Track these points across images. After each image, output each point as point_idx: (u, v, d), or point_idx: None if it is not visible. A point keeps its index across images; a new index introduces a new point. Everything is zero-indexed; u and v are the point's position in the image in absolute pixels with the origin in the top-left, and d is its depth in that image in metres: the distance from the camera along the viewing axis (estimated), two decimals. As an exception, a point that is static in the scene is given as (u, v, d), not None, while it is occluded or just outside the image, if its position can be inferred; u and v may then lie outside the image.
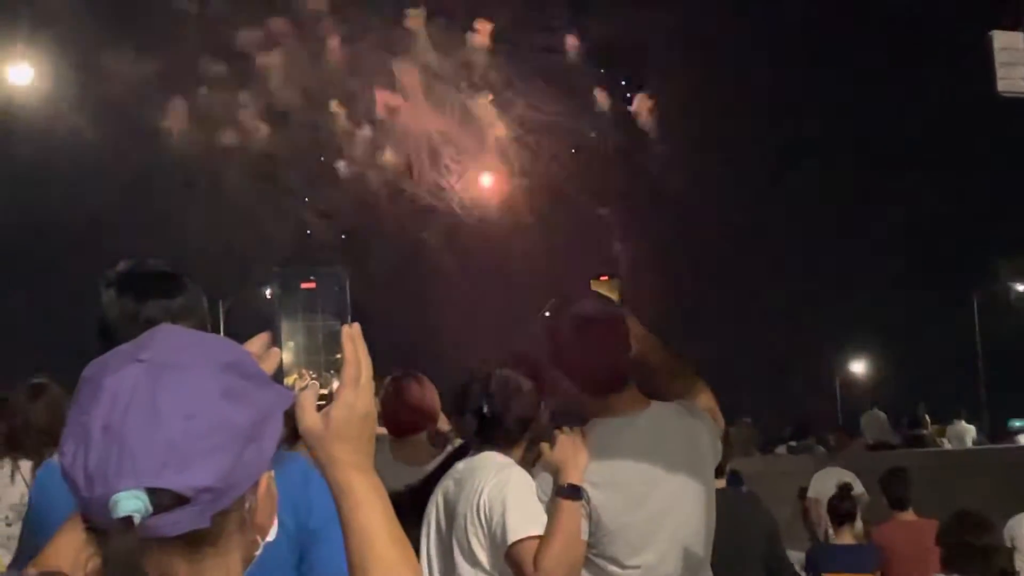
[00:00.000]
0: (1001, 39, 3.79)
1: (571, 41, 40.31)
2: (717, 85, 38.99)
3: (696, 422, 4.13)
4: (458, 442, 4.43)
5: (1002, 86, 3.75)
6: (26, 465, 6.12)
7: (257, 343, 1.92)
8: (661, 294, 30.11)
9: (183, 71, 36.93)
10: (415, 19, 38.70)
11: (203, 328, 2.80)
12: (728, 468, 7.40)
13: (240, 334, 2.00)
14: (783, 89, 39.98)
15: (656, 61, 40.59)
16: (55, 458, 1.77)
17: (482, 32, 39.39)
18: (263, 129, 38.09)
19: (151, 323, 2.65)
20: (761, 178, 40.28)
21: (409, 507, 4.15)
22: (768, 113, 40.24)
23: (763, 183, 40.23)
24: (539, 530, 3.77)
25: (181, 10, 36.39)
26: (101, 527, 1.57)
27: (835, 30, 38.93)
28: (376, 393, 5.95)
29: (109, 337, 2.64)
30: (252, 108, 37.84)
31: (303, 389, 1.92)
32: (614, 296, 4.68)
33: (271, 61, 38.07)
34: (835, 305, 40.99)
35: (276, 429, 1.68)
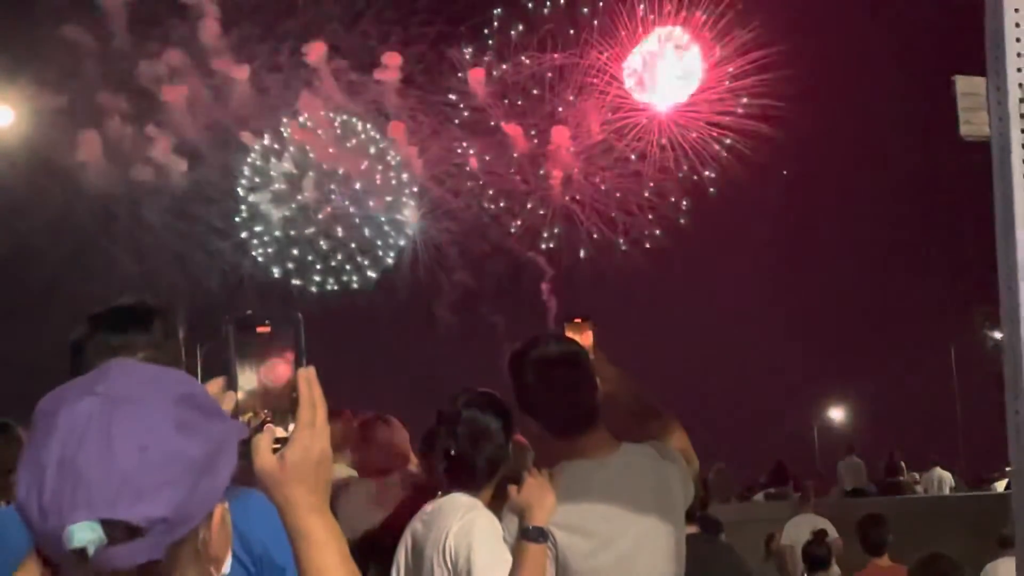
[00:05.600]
0: (964, 84, 3.87)
1: (477, 76, 40.11)
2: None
3: (667, 465, 4.12)
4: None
5: (965, 130, 3.81)
6: None
7: (213, 387, 1.92)
8: (634, 338, 30.15)
9: (90, 105, 36.56)
10: (315, 55, 38.44)
11: (177, 362, 2.81)
12: (699, 514, 7.37)
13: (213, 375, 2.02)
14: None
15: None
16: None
17: (390, 66, 39.11)
18: (178, 164, 37.81)
19: (116, 352, 2.68)
20: (738, 223, 40.36)
21: (369, 549, 4.16)
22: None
23: (741, 228, 40.33)
24: (504, 573, 3.76)
25: (77, 42, 36.18)
26: (56, 560, 1.58)
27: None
28: (346, 436, 5.97)
29: (81, 369, 2.66)
30: (163, 143, 37.55)
31: (256, 429, 1.93)
32: (588, 338, 4.63)
33: (175, 95, 37.70)
34: (813, 351, 41.05)
35: (230, 461, 1.69)
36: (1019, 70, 3.96)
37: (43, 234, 33.41)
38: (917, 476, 22.69)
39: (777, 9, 37.59)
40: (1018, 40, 3.97)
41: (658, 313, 38.71)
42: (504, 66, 39.62)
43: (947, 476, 22.34)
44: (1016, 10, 3.98)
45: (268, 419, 1.97)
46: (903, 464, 23.02)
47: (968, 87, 4.09)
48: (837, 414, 46.70)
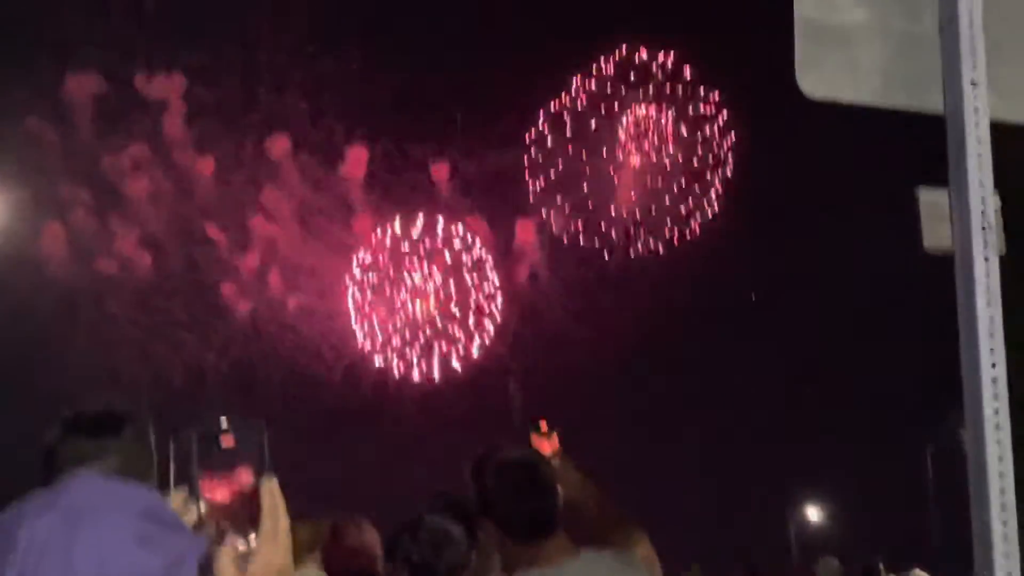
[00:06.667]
0: (926, 196, 3.97)
1: (441, 170, 39.98)
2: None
3: (627, 573, 4.11)
4: None
5: (927, 242, 3.90)
6: None
7: (175, 499, 1.94)
8: (603, 438, 29.98)
9: (53, 197, 36.28)
10: (279, 149, 38.20)
11: (148, 467, 2.83)
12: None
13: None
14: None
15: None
16: None
17: (355, 162, 38.94)
18: (143, 258, 37.41)
19: (87, 458, 2.70)
20: (716, 322, 40.47)
21: None
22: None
23: (718, 328, 40.42)
24: None
25: (40, 135, 36.10)
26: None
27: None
28: (316, 539, 5.96)
29: (53, 472, 2.69)
30: (127, 236, 37.20)
31: (218, 541, 1.94)
32: (553, 444, 4.67)
33: (139, 188, 37.44)
34: (789, 450, 40.98)
35: (190, 574, 1.71)
36: (981, 184, 4.04)
37: (5, 326, 33.03)
38: (894, 579, 22.53)
39: (740, 110, 38.09)
40: (980, 155, 4.05)
41: (627, 407, 38.65)
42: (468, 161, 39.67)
43: (927, 580, 22.18)
44: (976, 125, 4.07)
45: (228, 530, 1.98)
46: (881, 566, 22.86)
47: (930, 200, 4.17)
48: (813, 513, 46.48)
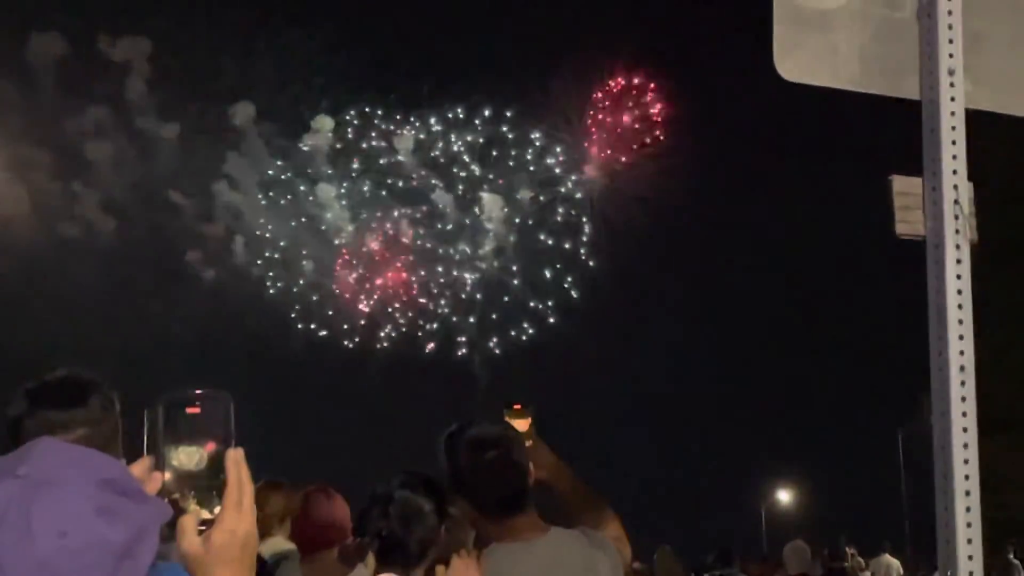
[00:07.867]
0: (900, 184, 3.98)
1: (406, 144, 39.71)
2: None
3: (596, 552, 4.12)
4: (371, 562, 4.39)
5: (900, 229, 3.92)
6: None
7: (140, 467, 1.93)
8: (582, 420, 29.96)
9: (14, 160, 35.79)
10: (243, 117, 37.91)
11: (114, 437, 2.82)
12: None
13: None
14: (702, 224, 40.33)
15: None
16: None
17: (320, 129, 38.66)
18: (108, 223, 36.99)
19: (54, 429, 2.68)
20: (689, 308, 40.50)
21: None
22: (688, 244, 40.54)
23: (691, 313, 40.46)
24: None
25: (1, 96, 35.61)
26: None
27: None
28: (288, 509, 5.96)
29: (21, 444, 2.67)
30: (91, 200, 36.75)
31: (182, 510, 1.94)
32: (526, 424, 4.68)
33: (103, 152, 36.97)
34: (763, 434, 41.13)
35: (151, 545, 1.69)
36: (954, 172, 4.05)
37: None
38: (863, 563, 22.68)
39: (715, 99, 38.04)
40: (954, 143, 4.06)
41: (600, 391, 38.68)
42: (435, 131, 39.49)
43: (895, 563, 22.34)
44: (952, 113, 4.08)
45: (193, 500, 1.98)
46: (847, 549, 23.00)
47: (904, 187, 4.18)
48: (785, 496, 46.67)
